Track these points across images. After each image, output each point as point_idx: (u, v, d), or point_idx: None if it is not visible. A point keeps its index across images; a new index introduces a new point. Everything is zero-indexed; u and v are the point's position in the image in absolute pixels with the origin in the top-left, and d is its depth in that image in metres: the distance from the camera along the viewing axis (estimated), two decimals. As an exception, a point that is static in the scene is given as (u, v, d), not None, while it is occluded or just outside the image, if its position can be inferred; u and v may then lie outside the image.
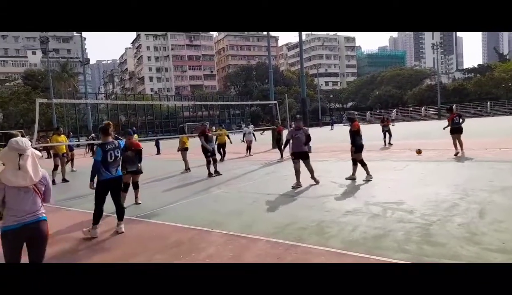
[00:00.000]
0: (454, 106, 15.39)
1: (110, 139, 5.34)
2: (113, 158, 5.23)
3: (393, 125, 22.74)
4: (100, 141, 5.41)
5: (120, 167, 5.53)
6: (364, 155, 8.48)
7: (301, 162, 8.07)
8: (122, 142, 5.63)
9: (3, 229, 2.93)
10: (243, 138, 16.81)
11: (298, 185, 7.98)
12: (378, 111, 67.59)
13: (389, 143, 16.04)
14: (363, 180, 8.19)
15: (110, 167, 5.21)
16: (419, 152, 12.14)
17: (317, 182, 8.18)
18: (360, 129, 8.38)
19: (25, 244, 3.03)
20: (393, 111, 58.08)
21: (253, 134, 17.33)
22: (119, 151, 5.35)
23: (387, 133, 16.20)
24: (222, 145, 15.10)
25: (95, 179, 5.24)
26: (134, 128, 19.11)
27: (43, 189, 3.08)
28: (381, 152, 13.75)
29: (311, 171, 8.23)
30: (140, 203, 7.31)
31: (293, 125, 8.73)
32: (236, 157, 15.72)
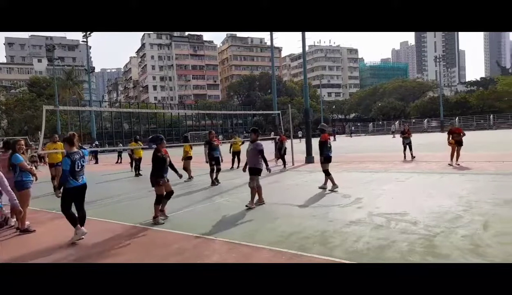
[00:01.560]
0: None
1: (75, 149, 5.57)
2: (79, 167, 5.50)
3: (393, 137, 22.50)
4: (67, 151, 5.55)
5: (84, 174, 5.66)
6: (372, 166, 8.48)
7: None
8: (86, 151, 5.87)
9: None
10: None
11: (251, 204, 7.22)
12: (381, 122, 67.67)
13: (412, 156, 14.62)
14: (319, 188, 8.52)
15: (76, 175, 5.47)
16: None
17: (251, 205, 7.23)
18: (327, 141, 8.64)
19: None
20: (395, 123, 58.08)
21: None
22: (84, 160, 5.64)
23: (407, 146, 14.75)
24: (237, 153, 15.46)
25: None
26: (138, 136, 19.22)
27: None
28: (384, 164, 13.71)
29: (252, 190, 7.34)
30: (166, 219, 6.67)
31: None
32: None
